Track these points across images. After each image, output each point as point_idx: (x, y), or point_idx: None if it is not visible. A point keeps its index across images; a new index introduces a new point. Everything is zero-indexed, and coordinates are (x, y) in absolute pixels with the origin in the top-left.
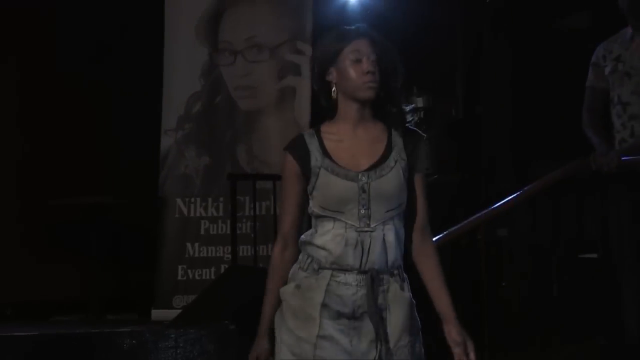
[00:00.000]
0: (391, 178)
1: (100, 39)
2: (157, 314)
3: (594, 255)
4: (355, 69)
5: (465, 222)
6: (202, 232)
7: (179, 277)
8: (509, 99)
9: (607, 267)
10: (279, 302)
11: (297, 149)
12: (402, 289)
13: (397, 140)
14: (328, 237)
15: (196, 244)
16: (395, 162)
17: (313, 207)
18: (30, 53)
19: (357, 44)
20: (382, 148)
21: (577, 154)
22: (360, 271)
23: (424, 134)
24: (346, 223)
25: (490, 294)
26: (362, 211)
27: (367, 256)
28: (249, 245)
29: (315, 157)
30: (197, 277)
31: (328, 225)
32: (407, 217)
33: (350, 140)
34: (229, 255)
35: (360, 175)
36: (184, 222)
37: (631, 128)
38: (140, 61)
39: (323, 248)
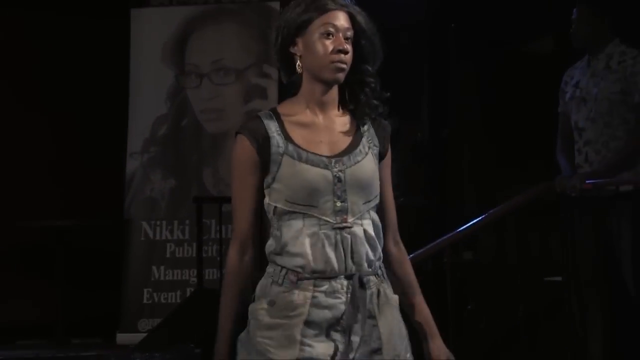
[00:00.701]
0: (366, 165)
1: (65, 60)
2: (122, 337)
3: (559, 278)
4: (324, 44)
5: (431, 245)
6: (168, 255)
7: (145, 301)
8: (476, 122)
9: (571, 290)
10: (239, 318)
11: (254, 132)
12: (389, 290)
13: (367, 128)
14: (301, 239)
15: (162, 267)
16: (368, 148)
17: (274, 202)
18: None
19: (332, 15)
20: (351, 134)
21: (545, 178)
22: (347, 276)
23: (391, 126)
24: (319, 219)
25: (457, 317)
26: (338, 204)
27: (351, 257)
28: (215, 268)
29: (277, 142)
30: (162, 301)
31: (296, 224)
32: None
33: (315, 124)
34: (195, 279)
35: (333, 161)
36: (150, 245)
37: (585, 154)
38: (106, 83)
39: (299, 255)
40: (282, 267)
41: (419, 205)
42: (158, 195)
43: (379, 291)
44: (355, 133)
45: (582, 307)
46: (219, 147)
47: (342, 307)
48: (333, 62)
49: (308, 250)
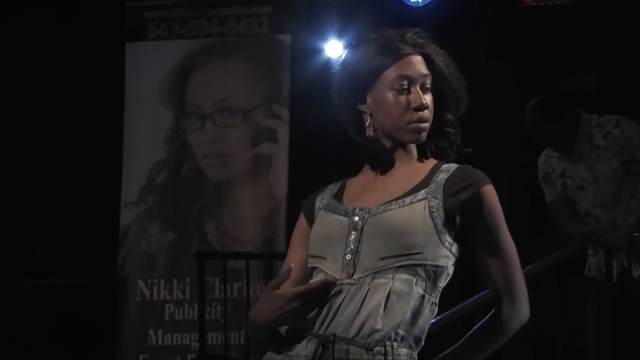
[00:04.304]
0: (400, 214)
1: (52, 100)
2: None
3: None
4: (400, 102)
5: (461, 305)
6: (167, 317)
7: None
8: (504, 168)
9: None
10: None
11: (308, 202)
12: None
13: (440, 177)
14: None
15: (160, 331)
16: (422, 198)
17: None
18: None
19: (407, 63)
20: (413, 185)
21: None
22: (316, 335)
23: (483, 176)
24: (325, 274)
25: None
26: (348, 256)
27: (333, 317)
28: (219, 332)
29: (321, 199)
30: None
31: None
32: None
33: (377, 179)
34: (197, 344)
35: (357, 209)
36: (146, 306)
37: None
38: (97, 125)
39: None
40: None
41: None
42: (155, 250)
43: None
44: (420, 183)
45: None
46: (223, 196)
47: None
48: (411, 122)
49: None
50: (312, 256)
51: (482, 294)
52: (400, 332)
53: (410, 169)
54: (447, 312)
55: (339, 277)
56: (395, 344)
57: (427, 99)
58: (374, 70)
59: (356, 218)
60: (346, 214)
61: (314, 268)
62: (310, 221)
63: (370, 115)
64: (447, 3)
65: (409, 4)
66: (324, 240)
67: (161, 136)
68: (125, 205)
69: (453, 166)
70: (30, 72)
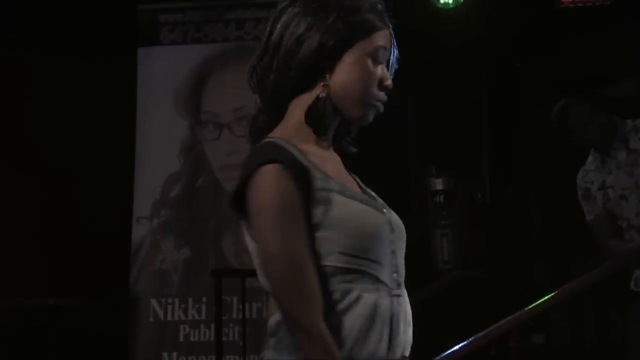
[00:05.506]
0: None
1: (59, 109)
2: None
3: None
4: (374, 74)
5: (495, 326)
6: (181, 338)
7: None
8: (545, 180)
9: None
10: None
11: (292, 162)
12: None
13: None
14: (357, 310)
15: (174, 353)
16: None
17: (323, 258)
18: None
19: (387, 35)
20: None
21: None
22: None
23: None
24: (379, 281)
25: None
26: (394, 261)
27: (397, 337)
28: (237, 354)
29: (317, 176)
30: None
31: (354, 290)
32: None
33: (330, 159)
34: None
35: (380, 204)
36: (160, 327)
37: None
38: (108, 136)
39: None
40: None
41: (480, 280)
42: (170, 268)
43: None
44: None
45: None
46: None
47: None
48: (377, 99)
49: (356, 325)
50: (361, 258)
51: (515, 314)
52: None
53: (330, 149)
54: (479, 334)
55: (390, 286)
56: None
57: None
58: (368, 27)
59: (387, 215)
60: (381, 211)
61: (360, 272)
62: (305, 194)
63: (330, 74)
64: (482, 4)
65: (439, 5)
66: (377, 241)
67: (175, 147)
68: (138, 220)
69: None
70: (39, 77)
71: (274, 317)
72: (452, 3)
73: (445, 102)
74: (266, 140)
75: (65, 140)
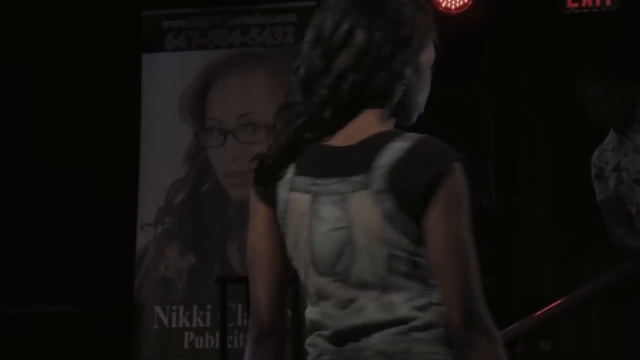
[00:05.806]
0: None
1: (63, 115)
2: None
3: None
4: (429, 80)
5: (501, 333)
6: (186, 346)
7: None
8: (553, 186)
9: None
10: None
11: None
12: None
13: None
14: None
15: None
16: None
17: None
18: None
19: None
20: None
21: None
22: None
23: None
24: None
25: None
26: None
27: None
28: None
29: None
30: None
31: None
32: None
33: None
34: None
35: None
36: (164, 334)
37: None
38: (112, 142)
39: None
40: None
41: (484, 286)
42: (174, 275)
43: None
44: None
45: None
46: (246, 217)
47: None
48: (424, 105)
49: None
50: None
51: (522, 321)
52: None
53: None
54: None
55: None
56: None
57: None
58: (430, 36)
59: None
60: None
61: None
62: None
63: (406, 82)
64: (487, 11)
65: (440, 10)
66: None
67: (180, 153)
68: (142, 227)
69: None
70: (44, 83)
71: (421, 310)
72: (453, 8)
73: (451, 108)
74: (420, 135)
75: (69, 146)
